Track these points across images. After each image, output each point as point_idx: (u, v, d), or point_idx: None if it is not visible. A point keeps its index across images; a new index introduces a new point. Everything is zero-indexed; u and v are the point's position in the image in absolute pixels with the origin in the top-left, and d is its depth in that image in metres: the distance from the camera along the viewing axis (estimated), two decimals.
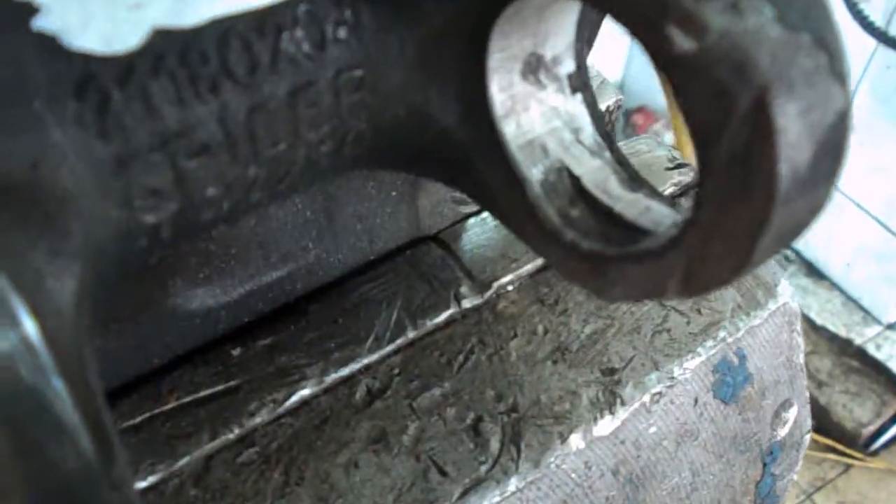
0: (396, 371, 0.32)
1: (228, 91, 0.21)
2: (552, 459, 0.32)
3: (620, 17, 0.18)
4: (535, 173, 0.25)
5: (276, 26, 0.21)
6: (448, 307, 0.34)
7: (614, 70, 2.09)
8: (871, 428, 1.60)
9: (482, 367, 0.33)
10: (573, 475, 0.33)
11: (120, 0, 0.18)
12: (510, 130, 0.25)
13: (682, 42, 0.17)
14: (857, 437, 1.61)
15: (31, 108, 0.18)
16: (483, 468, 0.31)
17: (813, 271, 1.82)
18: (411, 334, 0.33)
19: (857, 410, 1.62)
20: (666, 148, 0.40)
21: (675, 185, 0.39)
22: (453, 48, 0.23)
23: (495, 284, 0.35)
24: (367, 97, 0.23)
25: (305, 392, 0.31)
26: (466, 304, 0.34)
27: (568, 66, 0.26)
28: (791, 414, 0.40)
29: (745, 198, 0.19)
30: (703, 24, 0.17)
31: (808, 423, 0.42)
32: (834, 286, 1.79)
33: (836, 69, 0.18)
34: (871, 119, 1.55)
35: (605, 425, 0.33)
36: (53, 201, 0.19)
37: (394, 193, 0.33)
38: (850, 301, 1.76)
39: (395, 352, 0.33)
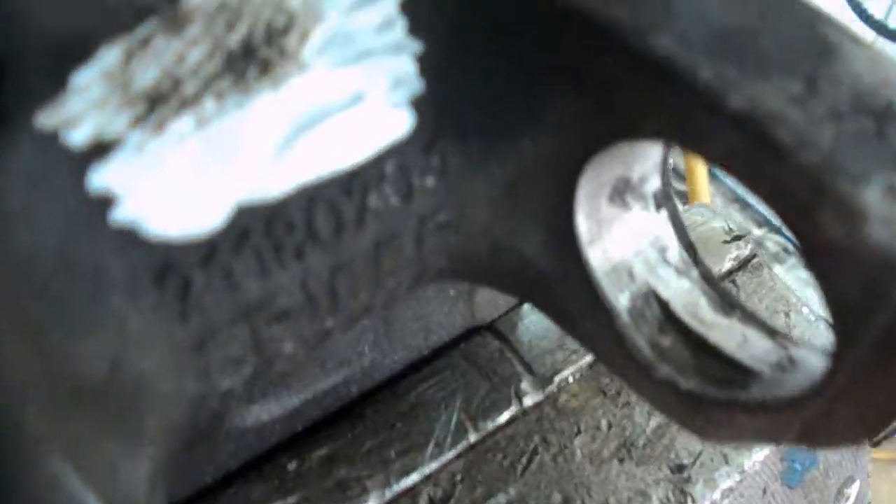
0: (459, 478, 0.31)
1: (313, 254, 0.19)
2: None
3: (765, 195, 0.16)
4: (622, 300, 0.24)
5: (364, 184, 0.19)
6: (509, 405, 0.32)
7: None
8: None
9: (547, 469, 0.32)
10: None
11: (199, 181, 0.17)
12: (596, 257, 0.24)
13: (835, 229, 0.16)
14: None
15: (109, 303, 0.16)
16: None
17: None
18: (472, 437, 0.32)
19: None
20: (721, 218, 0.39)
21: (733, 259, 0.38)
22: (543, 182, 0.22)
23: (556, 378, 0.33)
24: (449, 238, 0.22)
25: None
26: (528, 401, 0.33)
27: (654, 183, 0.24)
28: (853, 490, 0.39)
29: (888, 375, 0.17)
30: (860, 211, 0.15)
31: (869, 494, 0.41)
32: None
33: None
34: None
35: None
36: (130, 390, 0.18)
37: (451, 292, 0.31)
38: None
39: (457, 457, 0.31)
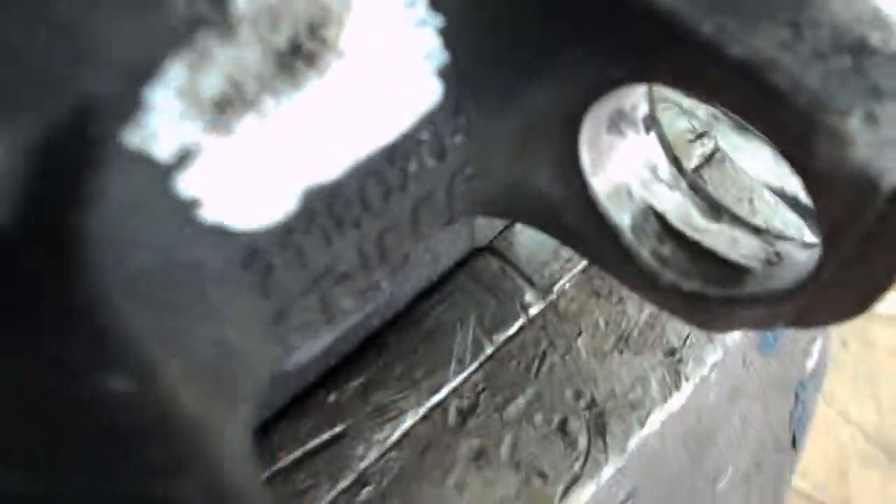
0: (481, 388, 0.34)
1: (366, 222, 0.21)
2: (635, 444, 0.34)
3: (763, 129, 0.19)
4: (624, 219, 0.27)
5: (405, 152, 0.21)
6: (517, 317, 0.35)
7: None
8: None
9: (557, 369, 0.35)
10: (651, 452, 0.36)
11: (271, 175, 0.19)
12: (599, 183, 0.26)
13: (826, 156, 0.18)
14: None
15: (210, 296, 0.18)
16: (577, 465, 0.33)
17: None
18: (489, 350, 0.35)
19: None
20: (685, 117, 0.41)
21: (699, 156, 0.41)
22: (552, 126, 0.24)
23: (555, 287, 0.36)
24: (475, 186, 0.24)
25: (406, 425, 0.33)
26: (532, 310, 0.36)
27: (643, 108, 0.27)
28: (816, 346, 0.44)
29: (870, 264, 0.20)
30: (846, 139, 0.18)
31: (829, 346, 0.46)
32: None
33: None
34: None
35: (675, 402, 0.36)
36: (230, 364, 0.20)
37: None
38: None
39: (477, 369, 0.34)
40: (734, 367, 0.38)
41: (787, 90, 0.18)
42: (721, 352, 0.37)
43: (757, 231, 0.27)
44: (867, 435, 1.27)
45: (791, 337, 0.41)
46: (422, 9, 0.20)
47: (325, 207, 0.20)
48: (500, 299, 0.36)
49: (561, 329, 0.36)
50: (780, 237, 0.26)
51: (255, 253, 0.19)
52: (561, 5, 0.20)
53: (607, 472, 0.33)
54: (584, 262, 0.37)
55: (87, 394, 0.16)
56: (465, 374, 0.34)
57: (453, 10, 0.20)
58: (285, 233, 0.19)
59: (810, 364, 0.44)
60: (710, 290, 0.25)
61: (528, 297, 0.36)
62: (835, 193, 0.19)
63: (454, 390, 0.34)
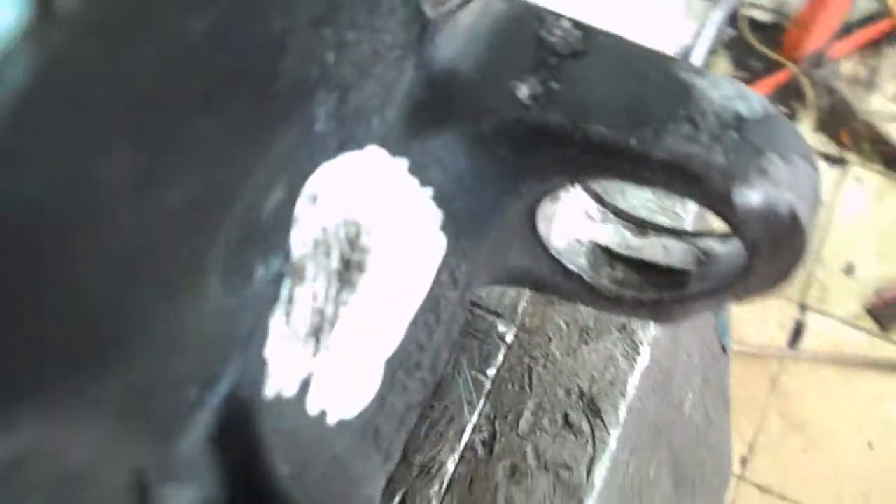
0: (493, 416, 0.40)
1: (423, 358, 0.26)
2: (624, 412, 0.42)
3: (688, 197, 0.26)
4: (582, 262, 0.33)
5: (436, 298, 0.26)
6: (499, 348, 0.42)
7: None
8: None
9: (544, 377, 0.42)
10: (636, 412, 0.43)
11: (363, 367, 0.23)
12: (555, 243, 0.32)
13: (740, 207, 0.25)
14: None
15: (350, 470, 0.23)
16: (589, 447, 0.40)
17: None
18: (487, 384, 0.41)
19: None
20: None
21: None
22: (516, 223, 0.30)
23: (518, 311, 0.43)
24: (474, 286, 0.29)
25: (449, 473, 0.38)
26: (508, 338, 0.42)
27: None
28: None
29: (783, 260, 0.28)
30: (752, 190, 0.25)
31: None
32: None
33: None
34: None
35: (640, 365, 0.43)
36: None
37: None
38: None
39: (485, 404, 0.40)
40: None
41: (703, 174, 0.25)
42: None
43: (678, 234, 0.34)
44: None
45: None
46: (418, 187, 0.25)
47: (398, 365, 0.25)
48: (481, 339, 0.42)
49: (534, 342, 0.42)
50: (699, 235, 0.33)
51: (366, 425, 0.24)
52: (518, 158, 0.25)
53: (612, 443, 0.41)
54: None
55: None
56: (477, 411, 0.40)
57: (437, 179, 0.26)
58: (380, 398, 0.24)
59: None
60: (663, 295, 0.32)
61: (501, 327, 0.42)
62: (751, 227, 0.26)
63: (474, 428, 0.40)
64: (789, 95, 2.13)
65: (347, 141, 0.21)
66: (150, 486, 0.16)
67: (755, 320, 1.94)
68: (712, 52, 2.18)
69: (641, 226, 0.34)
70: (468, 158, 0.25)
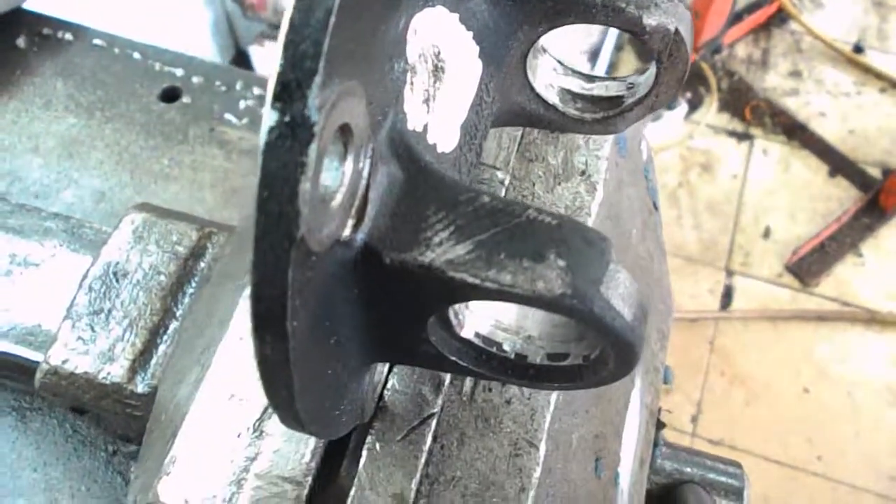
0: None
1: (477, 137, 0.34)
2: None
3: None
4: (555, 99, 0.41)
5: (479, 98, 0.34)
6: (500, 190, 0.49)
7: None
8: None
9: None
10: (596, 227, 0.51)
11: (449, 120, 0.31)
12: (538, 86, 0.40)
13: (651, 28, 0.34)
14: None
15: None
16: None
17: None
18: None
19: None
20: None
21: None
22: (515, 67, 0.37)
23: (510, 163, 0.50)
24: (493, 107, 0.37)
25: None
26: (506, 182, 0.49)
27: (538, 45, 0.41)
28: (643, 145, 0.62)
29: (676, 68, 0.36)
30: (645, 26, 0.33)
31: (649, 145, 0.64)
32: None
33: None
34: None
35: (597, 198, 0.51)
36: None
37: None
38: None
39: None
40: (612, 169, 0.54)
41: (623, 8, 0.33)
42: (605, 162, 0.53)
43: (614, 79, 0.42)
44: None
45: (631, 139, 0.58)
46: (465, 31, 0.33)
47: (464, 131, 0.32)
48: (486, 183, 0.49)
49: (523, 186, 0.50)
50: (626, 77, 0.42)
51: (454, 161, 0.31)
52: (515, 8, 0.33)
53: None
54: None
55: None
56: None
57: (474, 26, 0.33)
58: (459, 148, 0.31)
59: (644, 155, 0.61)
60: (609, 113, 0.41)
61: (499, 175, 0.50)
62: (654, 38, 0.34)
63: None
64: (693, 81, 2.29)
65: (427, 2, 0.29)
66: (377, 163, 0.22)
67: (688, 289, 2.06)
68: (619, 48, 2.33)
69: (589, 77, 0.43)
70: (489, 12, 0.33)
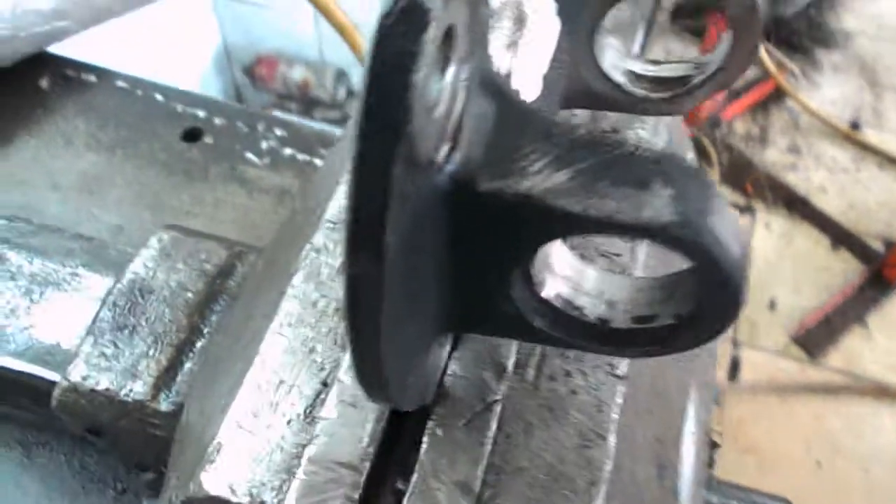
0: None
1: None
2: None
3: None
4: (621, 79, 0.41)
5: (557, 53, 0.34)
6: None
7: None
8: None
9: None
10: None
11: (533, 69, 0.30)
12: (606, 67, 0.40)
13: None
14: None
15: None
16: None
17: None
18: None
19: None
20: None
21: None
22: (586, 35, 0.37)
23: None
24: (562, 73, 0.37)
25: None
26: None
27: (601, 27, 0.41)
28: None
29: (749, 38, 0.36)
30: None
31: None
32: None
33: None
34: None
35: None
36: None
37: None
38: None
39: None
40: None
41: None
42: None
43: (679, 61, 0.42)
44: None
45: None
46: None
47: (546, 83, 0.32)
48: None
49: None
50: (694, 59, 0.42)
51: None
52: None
53: None
54: None
55: None
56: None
57: None
58: (540, 100, 0.31)
59: None
60: (676, 91, 0.40)
61: None
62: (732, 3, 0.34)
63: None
64: (694, 155, 2.32)
65: None
66: (470, 95, 0.22)
67: None
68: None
69: (654, 61, 0.43)
70: None
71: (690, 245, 0.19)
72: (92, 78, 0.75)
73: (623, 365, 0.27)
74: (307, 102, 2.14)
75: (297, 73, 2.09)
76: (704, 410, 0.35)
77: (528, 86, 0.30)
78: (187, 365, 0.41)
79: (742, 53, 0.37)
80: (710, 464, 0.38)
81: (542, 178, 0.19)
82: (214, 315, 0.43)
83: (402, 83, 0.16)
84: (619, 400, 0.27)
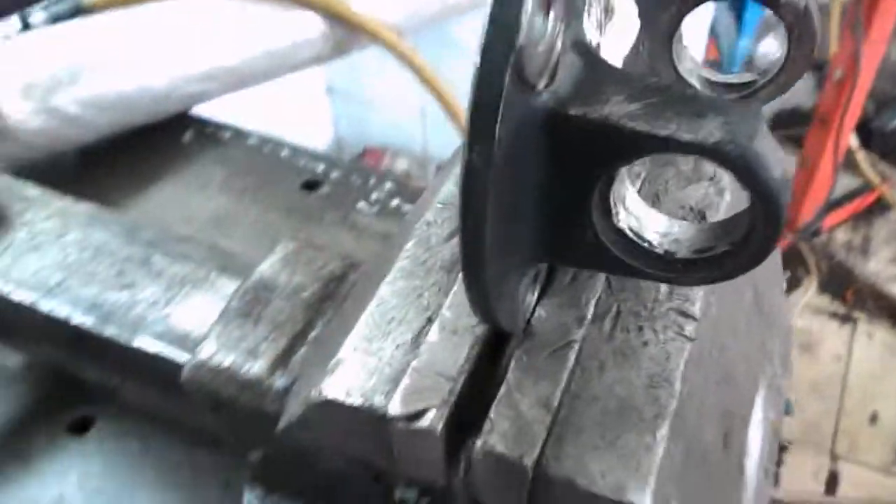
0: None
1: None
2: None
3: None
4: (695, 82, 0.45)
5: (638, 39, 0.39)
6: None
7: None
8: None
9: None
10: None
11: (617, 43, 0.35)
12: (680, 67, 0.45)
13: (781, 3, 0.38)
14: None
15: None
16: None
17: None
18: None
19: None
20: None
21: None
22: (665, 36, 0.42)
23: None
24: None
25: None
26: None
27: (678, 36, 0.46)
28: None
29: (804, 44, 0.40)
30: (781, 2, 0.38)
31: None
32: None
33: None
34: None
35: None
36: None
37: None
38: None
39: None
40: None
41: None
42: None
43: (747, 71, 0.46)
44: None
45: None
46: None
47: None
48: None
49: None
50: (758, 67, 0.46)
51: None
52: None
53: None
54: None
55: None
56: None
57: None
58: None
59: None
60: (744, 93, 0.44)
61: None
62: (787, 10, 0.39)
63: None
64: (792, 262, 2.29)
65: None
66: (565, 48, 0.26)
67: (790, 471, 1.94)
68: None
69: (724, 70, 0.47)
70: None
71: (737, 161, 0.23)
72: (227, 135, 0.84)
73: (691, 327, 0.31)
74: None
75: (401, 165, 2.22)
76: (773, 411, 0.38)
77: (611, 59, 0.35)
78: (301, 350, 0.46)
79: (800, 58, 0.41)
80: (779, 462, 0.40)
81: (619, 107, 0.24)
82: (327, 313, 0.48)
83: (518, 5, 0.21)
84: (686, 356, 0.30)
